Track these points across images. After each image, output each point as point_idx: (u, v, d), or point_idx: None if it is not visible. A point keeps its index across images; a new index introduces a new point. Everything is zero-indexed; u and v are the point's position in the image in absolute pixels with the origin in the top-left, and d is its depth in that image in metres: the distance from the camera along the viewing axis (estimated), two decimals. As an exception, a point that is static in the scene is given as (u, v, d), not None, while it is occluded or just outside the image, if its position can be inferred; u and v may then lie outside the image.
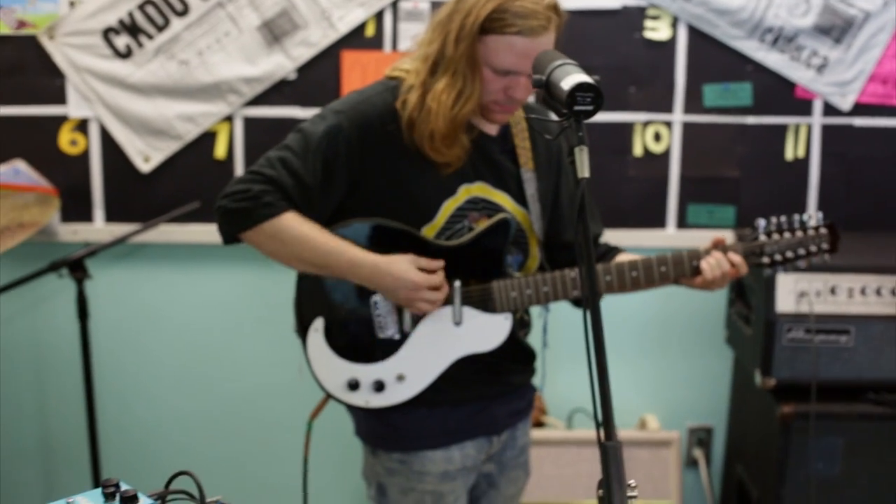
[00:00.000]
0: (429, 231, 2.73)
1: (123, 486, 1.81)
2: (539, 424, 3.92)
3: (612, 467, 1.76)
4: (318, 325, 2.79)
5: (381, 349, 2.78)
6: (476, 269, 2.76)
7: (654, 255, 2.80)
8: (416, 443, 2.83)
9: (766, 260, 2.85)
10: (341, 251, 2.68)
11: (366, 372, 2.78)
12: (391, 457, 2.85)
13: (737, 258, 2.80)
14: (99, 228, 3.93)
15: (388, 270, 2.69)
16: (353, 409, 2.89)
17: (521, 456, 3.00)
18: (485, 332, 2.78)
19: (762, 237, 2.85)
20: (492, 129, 2.79)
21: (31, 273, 3.66)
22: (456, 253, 2.74)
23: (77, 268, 3.65)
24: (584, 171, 1.87)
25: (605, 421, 1.78)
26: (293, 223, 2.66)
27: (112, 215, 3.94)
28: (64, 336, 3.97)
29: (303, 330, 2.81)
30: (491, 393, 2.87)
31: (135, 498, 1.79)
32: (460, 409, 2.84)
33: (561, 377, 3.59)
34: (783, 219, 2.87)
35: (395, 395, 2.78)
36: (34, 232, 3.66)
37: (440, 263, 2.72)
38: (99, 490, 1.82)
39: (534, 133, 2.86)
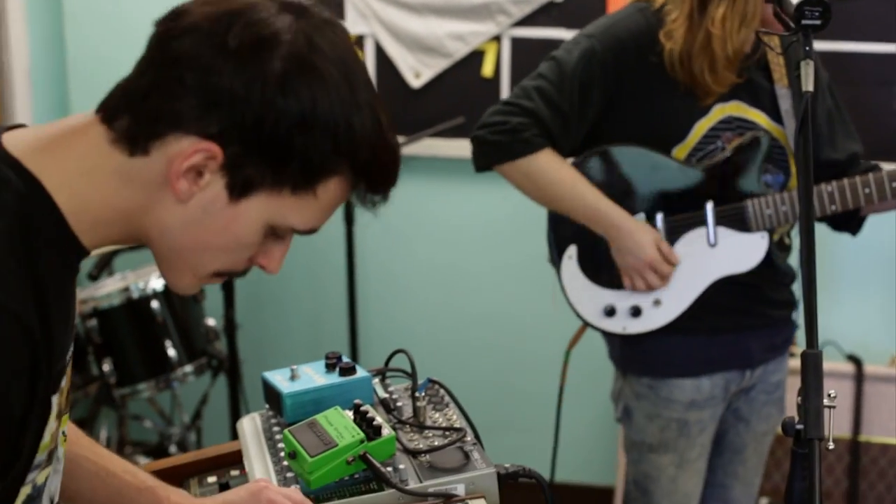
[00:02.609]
0: (680, 151, 2.72)
1: (344, 359, 1.96)
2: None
3: (811, 375, 1.77)
4: (572, 252, 2.82)
5: None
6: (730, 189, 2.73)
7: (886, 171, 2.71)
8: (666, 370, 2.82)
9: None
10: (589, 200, 2.71)
11: (622, 298, 2.79)
12: (640, 381, 2.86)
13: None
14: (370, 140, 4.11)
15: (629, 232, 2.70)
16: (609, 335, 2.91)
17: (775, 392, 2.93)
18: (741, 251, 2.74)
19: None
20: (747, 45, 2.72)
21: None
22: (709, 174, 2.72)
23: (346, 175, 3.84)
24: (808, 84, 1.86)
25: (809, 331, 1.80)
26: (547, 165, 2.70)
27: (383, 128, 4.11)
28: (332, 241, 4.20)
29: (557, 258, 2.86)
30: (747, 324, 2.83)
31: (353, 369, 1.94)
32: (714, 339, 2.82)
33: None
34: None
35: (652, 320, 2.78)
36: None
37: (678, 258, 2.73)
38: (322, 361, 1.98)
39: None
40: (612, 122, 2.73)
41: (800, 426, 1.76)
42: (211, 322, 3.75)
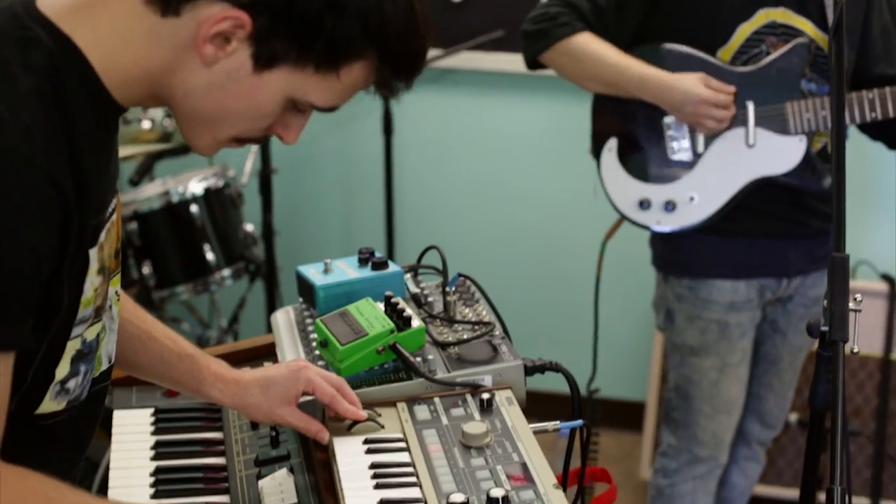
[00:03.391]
0: (724, 54, 2.76)
1: (377, 254, 2.00)
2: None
3: (838, 278, 1.79)
4: (612, 144, 2.87)
5: (673, 169, 2.83)
6: (771, 92, 2.76)
7: None
8: (705, 270, 2.86)
9: None
10: (632, 67, 2.75)
11: (657, 191, 2.83)
12: (680, 282, 2.90)
13: None
14: (410, 52, 4.12)
15: (676, 85, 2.72)
16: (652, 239, 2.96)
17: (813, 306, 2.93)
18: (778, 153, 2.76)
19: None
20: None
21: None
22: (751, 77, 2.75)
23: (385, 86, 3.86)
24: (843, -9, 1.87)
25: (837, 234, 1.81)
26: (586, 42, 2.76)
27: (423, 40, 4.11)
28: (369, 151, 4.23)
29: (597, 150, 2.91)
30: (786, 231, 2.85)
31: (385, 264, 1.98)
32: (752, 242, 2.84)
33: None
34: None
35: (686, 216, 2.82)
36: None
37: (731, 88, 2.74)
38: (355, 256, 2.02)
39: None
40: (658, 23, 2.77)
41: (825, 328, 1.79)
42: (249, 227, 3.79)
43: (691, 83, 2.71)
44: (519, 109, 4.17)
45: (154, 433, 1.93)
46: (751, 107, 2.75)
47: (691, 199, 2.80)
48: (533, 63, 2.86)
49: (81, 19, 1.35)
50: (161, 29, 1.35)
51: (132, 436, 1.94)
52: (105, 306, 1.47)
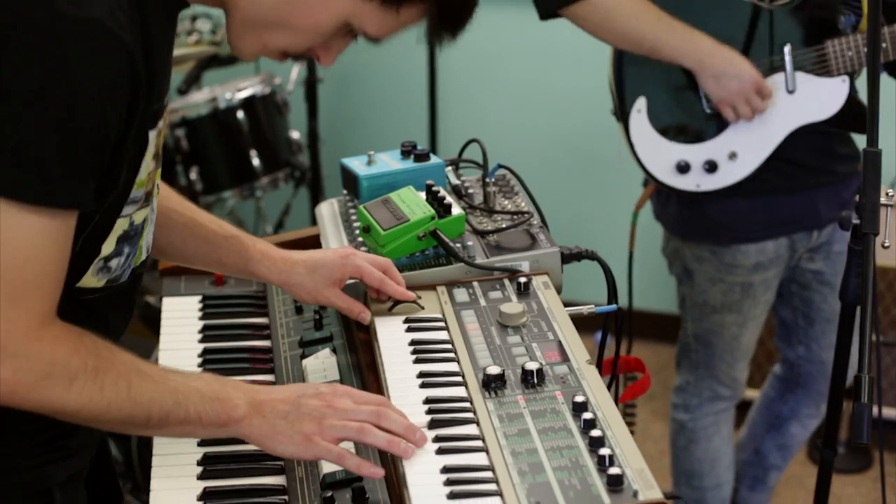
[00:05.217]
0: None
1: (419, 147, 2.05)
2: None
3: (870, 172, 1.82)
4: (641, 104, 2.66)
5: (710, 126, 2.64)
6: (807, 32, 2.62)
7: None
8: (729, 235, 2.72)
9: None
10: (678, 28, 2.56)
11: (696, 152, 2.64)
12: (701, 246, 2.77)
13: None
14: (454, -36, 4.14)
15: (729, 58, 2.56)
16: (659, 194, 2.82)
17: None
18: (821, 97, 2.61)
19: None
20: None
21: None
22: (783, 15, 2.61)
23: (429, -4, 3.89)
24: None
25: (870, 129, 1.83)
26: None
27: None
28: (414, 62, 4.28)
29: (623, 111, 2.69)
30: (813, 181, 2.71)
31: (427, 156, 2.03)
32: (778, 199, 2.71)
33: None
34: None
35: (729, 175, 2.65)
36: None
37: (771, 88, 2.58)
38: (398, 149, 2.07)
39: None
40: None
41: (856, 221, 1.83)
42: (295, 135, 3.85)
43: (745, 64, 2.55)
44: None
45: (202, 318, 2.00)
46: (787, 50, 2.60)
47: (732, 155, 2.63)
48: (548, 16, 2.62)
49: None
50: None
51: (180, 321, 2.01)
52: (153, 192, 1.54)
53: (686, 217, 2.77)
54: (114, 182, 1.39)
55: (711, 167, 2.63)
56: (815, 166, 2.69)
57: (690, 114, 2.65)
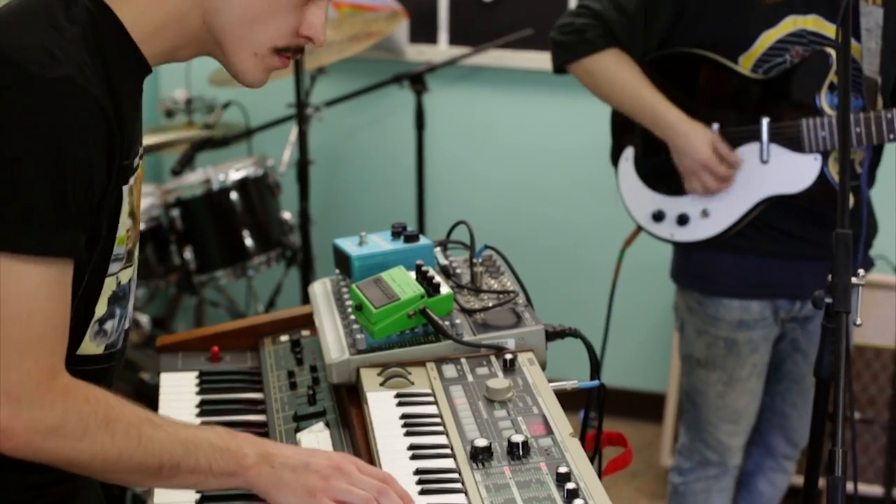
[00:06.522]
0: (746, 61, 2.69)
1: (409, 229, 2.12)
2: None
3: (842, 253, 1.90)
4: (629, 154, 2.87)
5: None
6: (788, 105, 2.70)
7: None
8: (714, 287, 2.83)
9: None
10: (646, 102, 2.73)
11: (671, 204, 2.81)
12: (691, 295, 2.89)
13: None
14: (442, 50, 4.26)
15: (684, 133, 2.71)
16: (675, 250, 2.94)
17: None
18: (792, 172, 2.68)
19: None
20: None
21: (378, 82, 4.06)
22: (766, 86, 2.69)
23: (417, 81, 4.00)
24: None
25: (841, 213, 1.92)
26: (608, 64, 2.74)
27: (455, 38, 4.26)
28: (402, 145, 4.37)
29: (615, 159, 2.91)
30: (801, 252, 2.79)
31: (416, 237, 2.10)
32: (765, 262, 2.80)
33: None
34: None
35: (699, 230, 2.79)
36: (379, 39, 4.01)
37: (738, 160, 2.70)
38: (388, 231, 2.14)
39: None
40: (682, 27, 2.73)
41: (829, 300, 1.90)
42: (286, 215, 3.93)
43: (700, 140, 2.69)
44: (547, 106, 4.28)
45: (199, 393, 2.05)
46: (765, 122, 2.70)
47: (704, 212, 2.77)
48: (560, 70, 2.85)
49: None
50: None
51: (178, 395, 2.06)
52: (134, 252, 1.61)
53: (680, 262, 2.94)
54: (96, 237, 1.47)
55: (682, 220, 2.80)
56: (803, 237, 2.78)
57: (670, 168, 2.79)
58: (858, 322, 1.92)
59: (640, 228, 2.92)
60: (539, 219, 4.41)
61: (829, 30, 2.66)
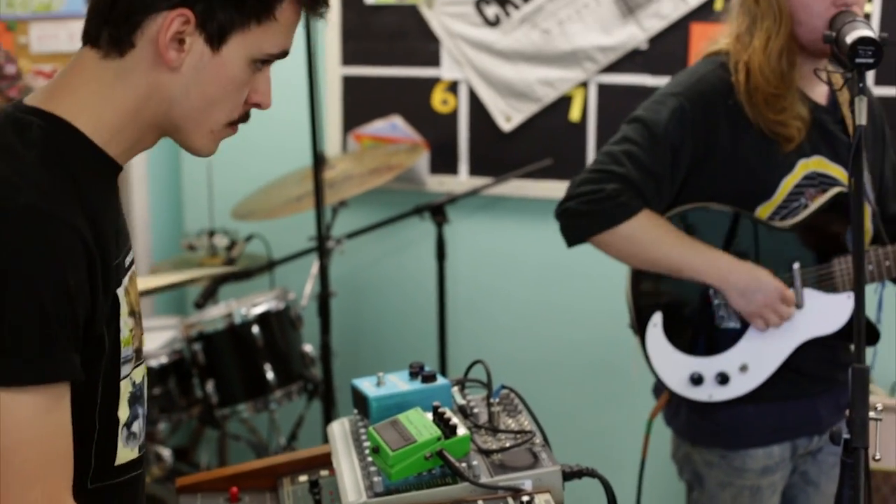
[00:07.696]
0: (764, 210, 2.73)
1: (426, 369, 2.14)
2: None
3: (858, 388, 1.90)
4: (657, 319, 2.77)
5: (722, 340, 2.75)
6: (814, 247, 2.74)
7: None
8: (739, 441, 2.81)
9: None
10: (699, 252, 2.69)
11: (709, 365, 2.75)
12: (712, 451, 2.84)
13: None
14: (462, 181, 4.32)
15: (749, 272, 2.68)
16: (670, 401, 2.89)
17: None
18: (827, 313, 2.73)
19: None
20: (822, 98, 2.77)
21: (399, 214, 4.11)
22: (793, 235, 2.73)
23: (438, 212, 4.05)
24: (861, 118, 2.00)
25: (857, 347, 1.92)
26: (649, 225, 2.68)
27: (475, 169, 4.31)
28: (423, 275, 4.40)
29: (640, 326, 2.80)
30: (817, 390, 2.82)
31: (434, 377, 2.12)
32: (786, 406, 2.80)
33: (890, 349, 3.54)
34: None
35: (740, 386, 2.75)
36: (400, 172, 4.06)
37: (795, 298, 2.70)
38: (406, 371, 2.16)
39: None
40: (701, 178, 2.73)
41: (847, 436, 1.90)
42: (308, 348, 3.94)
43: (765, 274, 2.68)
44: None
45: (218, 536, 2.06)
46: (796, 268, 2.72)
47: (743, 367, 2.74)
48: (577, 242, 2.78)
49: (60, 97, 1.57)
50: (125, 66, 1.57)
51: (197, 538, 2.07)
52: (141, 350, 1.63)
53: (696, 423, 2.85)
54: (100, 349, 1.49)
55: (723, 379, 2.74)
56: (819, 375, 2.80)
57: (703, 328, 2.76)
58: (878, 457, 1.92)
59: (668, 396, 2.85)
60: (562, 345, 4.41)
61: (832, 169, 2.74)
